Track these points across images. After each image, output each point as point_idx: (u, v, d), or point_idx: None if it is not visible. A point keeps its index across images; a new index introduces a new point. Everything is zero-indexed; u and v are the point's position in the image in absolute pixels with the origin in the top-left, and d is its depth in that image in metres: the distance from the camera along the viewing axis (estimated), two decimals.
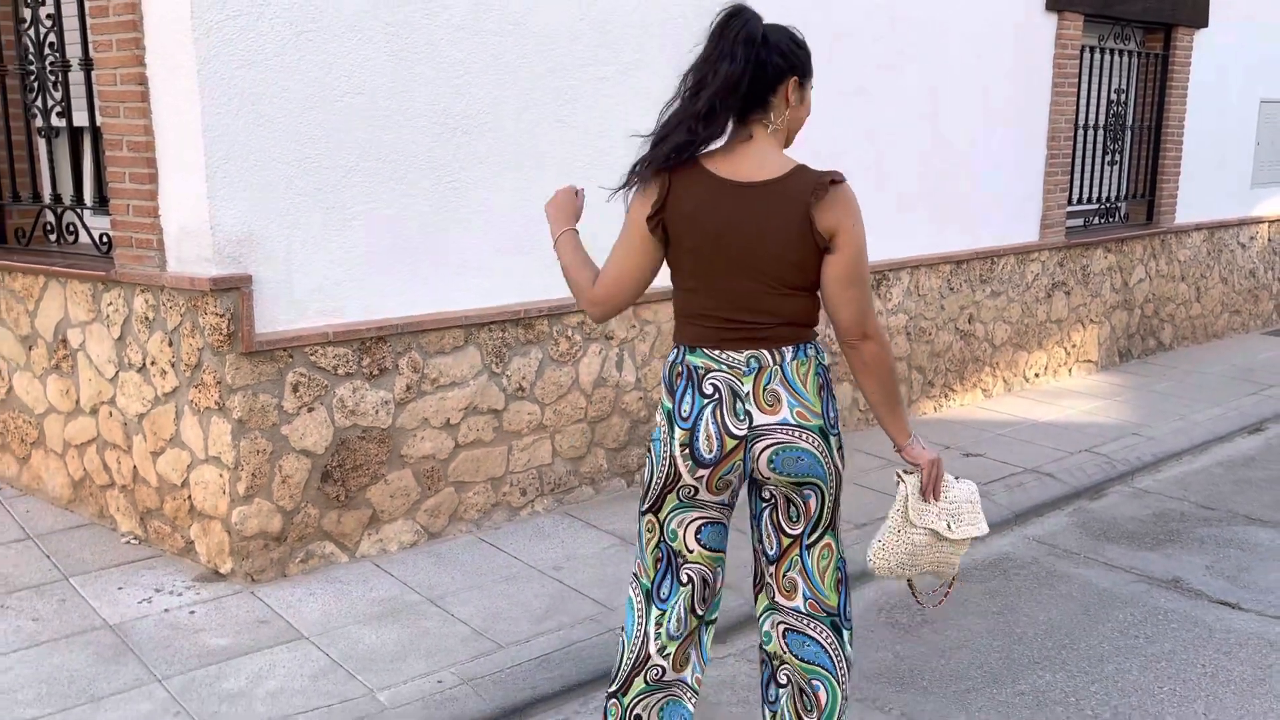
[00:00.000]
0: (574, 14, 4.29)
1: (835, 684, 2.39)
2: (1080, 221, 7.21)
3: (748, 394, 2.22)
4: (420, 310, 4.05)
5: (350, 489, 3.94)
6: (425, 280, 4.05)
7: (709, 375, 2.24)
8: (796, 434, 2.22)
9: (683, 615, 2.39)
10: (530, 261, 4.32)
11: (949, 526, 2.36)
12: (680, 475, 2.28)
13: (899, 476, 2.38)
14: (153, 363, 3.85)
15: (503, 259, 4.25)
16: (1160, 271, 7.74)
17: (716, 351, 2.24)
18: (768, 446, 2.23)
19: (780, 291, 2.21)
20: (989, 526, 4.75)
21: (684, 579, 2.38)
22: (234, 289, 3.55)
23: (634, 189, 2.26)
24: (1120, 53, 7.16)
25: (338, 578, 3.86)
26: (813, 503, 2.30)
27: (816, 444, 2.24)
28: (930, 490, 2.34)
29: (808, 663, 2.39)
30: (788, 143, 2.35)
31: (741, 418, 2.22)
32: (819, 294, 2.26)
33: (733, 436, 2.23)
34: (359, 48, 3.74)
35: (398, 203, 3.94)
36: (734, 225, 2.19)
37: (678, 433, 2.26)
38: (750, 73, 2.15)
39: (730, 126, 2.23)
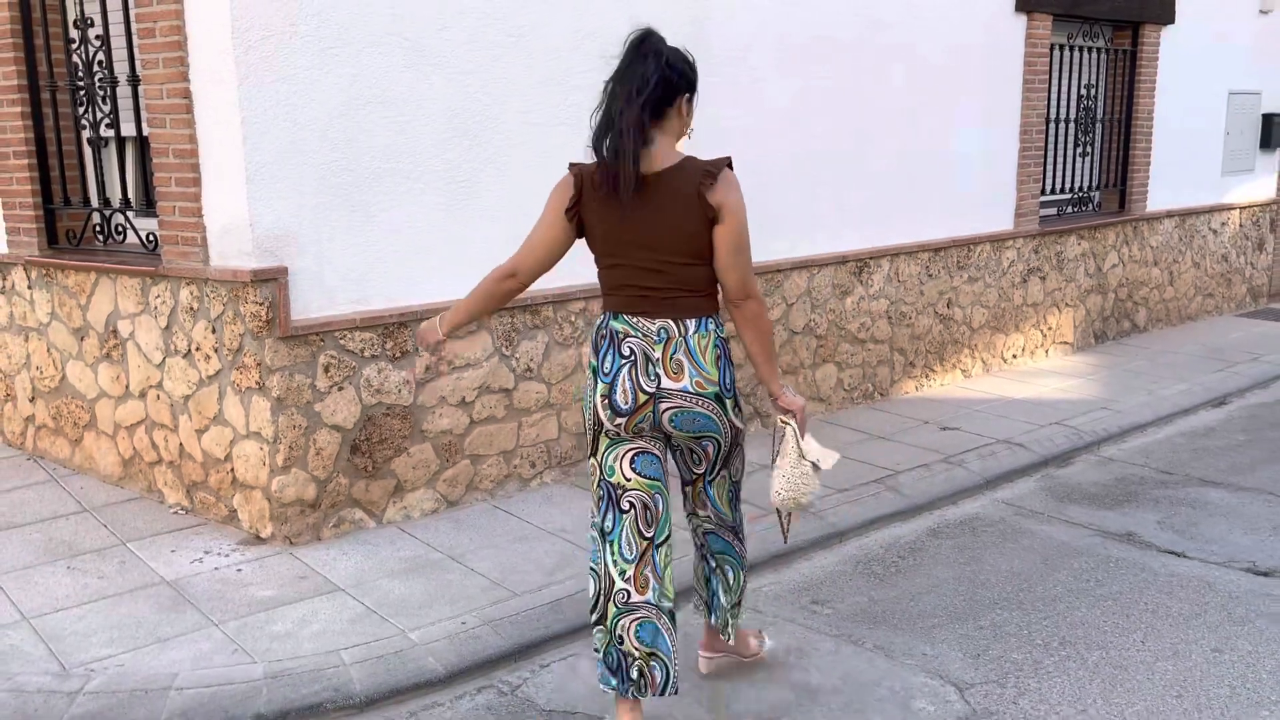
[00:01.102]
0: (569, 27, 4.70)
1: (740, 567, 3.18)
2: (1054, 210, 7.61)
3: (657, 359, 2.73)
4: (437, 298, 4.45)
5: (377, 461, 4.35)
6: (440, 271, 4.46)
7: (626, 339, 2.74)
8: (694, 400, 2.76)
9: (631, 539, 2.82)
10: None
11: (820, 460, 2.94)
12: (603, 421, 2.79)
13: (781, 422, 2.95)
14: (197, 348, 4.26)
15: (509, 251, 4.65)
16: (1133, 257, 8.15)
17: (633, 319, 2.74)
18: (669, 408, 2.75)
19: (680, 262, 2.68)
20: (963, 492, 5.14)
21: (625, 507, 2.82)
22: (272, 280, 3.96)
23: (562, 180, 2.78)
24: (1089, 50, 7.57)
25: (367, 540, 4.27)
26: (710, 449, 2.88)
27: (712, 408, 2.78)
28: (803, 430, 2.93)
29: (720, 553, 3.14)
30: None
31: (652, 378, 2.74)
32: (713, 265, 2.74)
33: (644, 392, 2.74)
34: (380, 61, 4.15)
35: (415, 200, 4.35)
36: (639, 208, 2.65)
37: (600, 386, 2.78)
38: (660, 85, 2.60)
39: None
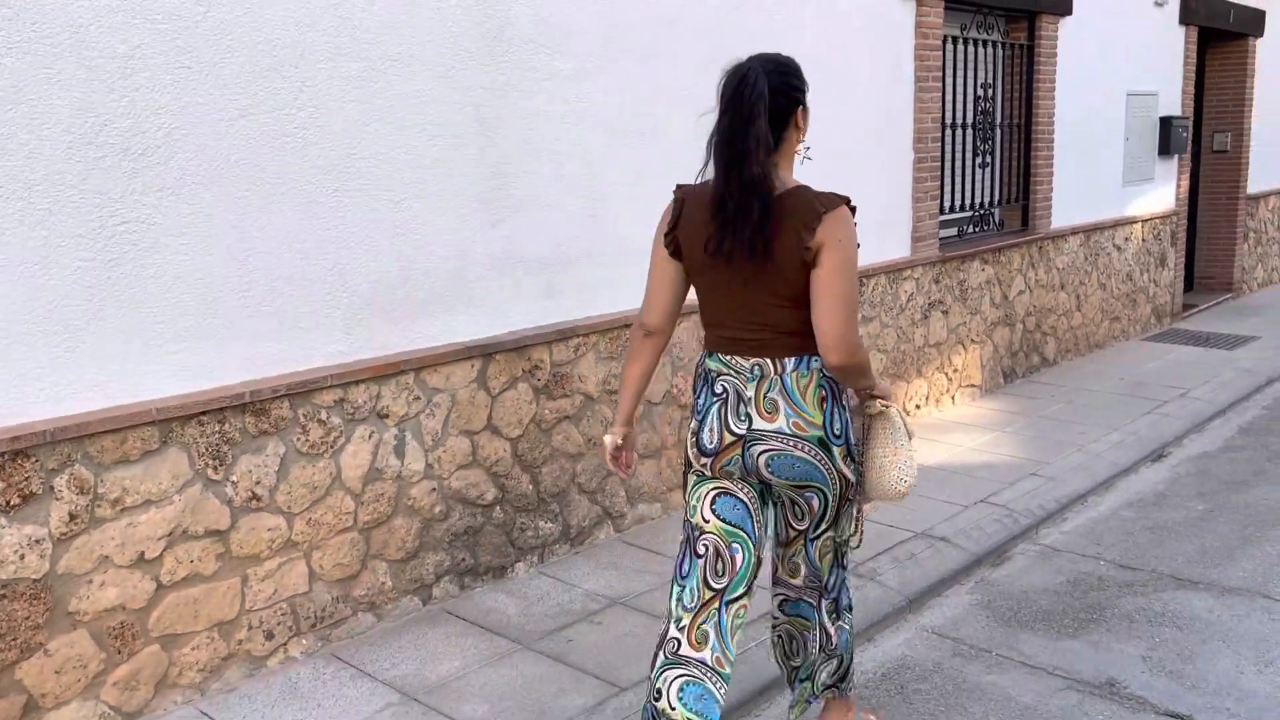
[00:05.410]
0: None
1: (827, 638, 2.74)
2: (954, 231, 6.47)
3: (750, 399, 2.45)
4: (87, 406, 2.88)
5: None
6: (95, 363, 2.89)
7: (720, 378, 2.49)
8: (792, 443, 2.43)
9: (696, 587, 2.51)
10: (261, 324, 3.20)
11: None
12: (691, 460, 2.55)
13: (880, 407, 2.58)
14: None
15: (217, 324, 3.12)
16: (1040, 281, 7.09)
17: (727, 357, 2.49)
18: (763, 451, 2.45)
19: (777, 303, 2.39)
20: (881, 622, 3.71)
21: (699, 550, 2.53)
22: None
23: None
24: (984, 43, 6.46)
25: None
26: (815, 503, 2.54)
27: (813, 452, 2.44)
28: None
29: (803, 618, 2.76)
30: None
31: (742, 419, 2.45)
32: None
33: (732, 434, 2.46)
34: None
35: (39, 256, 2.77)
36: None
37: (692, 423, 2.55)
38: (769, 122, 2.36)
39: None
